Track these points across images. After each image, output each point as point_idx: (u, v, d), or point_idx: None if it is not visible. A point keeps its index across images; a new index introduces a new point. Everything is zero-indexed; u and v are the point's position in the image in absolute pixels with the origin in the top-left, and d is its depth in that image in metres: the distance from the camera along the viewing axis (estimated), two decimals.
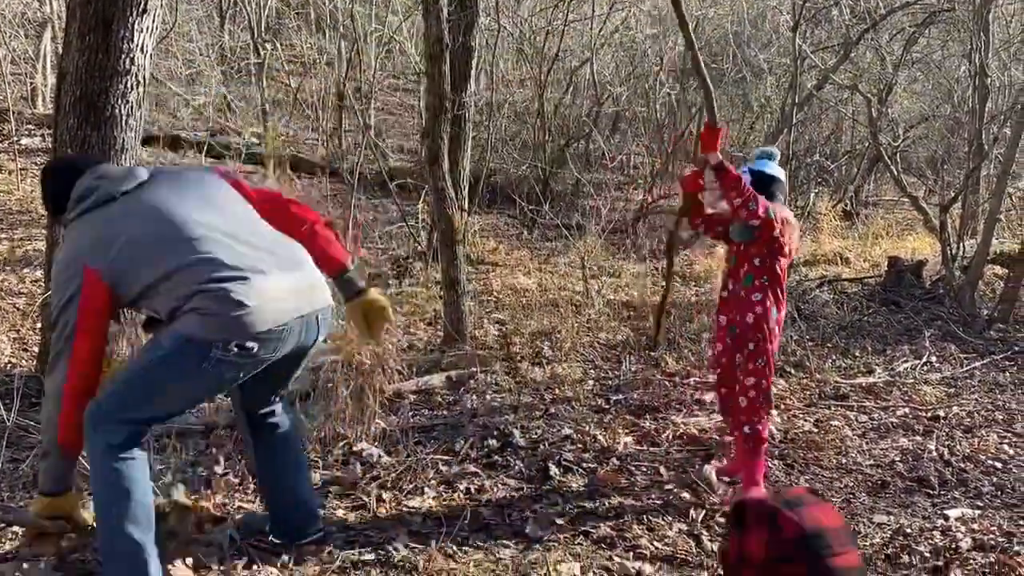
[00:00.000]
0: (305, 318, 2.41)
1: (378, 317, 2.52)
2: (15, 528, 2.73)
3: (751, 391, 3.33)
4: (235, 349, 2.26)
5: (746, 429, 3.32)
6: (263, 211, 2.49)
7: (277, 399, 2.71)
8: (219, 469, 3.26)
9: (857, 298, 6.50)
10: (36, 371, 4.01)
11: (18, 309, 5.29)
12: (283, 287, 2.34)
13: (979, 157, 7.37)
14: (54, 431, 2.34)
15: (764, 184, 3.33)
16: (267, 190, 2.66)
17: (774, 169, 3.44)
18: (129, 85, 3.71)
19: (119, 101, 3.71)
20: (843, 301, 6.39)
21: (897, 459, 3.82)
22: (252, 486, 3.15)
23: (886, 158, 7.98)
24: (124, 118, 3.75)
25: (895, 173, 7.94)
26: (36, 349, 4.26)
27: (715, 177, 3.27)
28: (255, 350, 2.30)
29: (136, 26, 3.60)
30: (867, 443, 4.01)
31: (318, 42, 11.35)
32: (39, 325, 4.09)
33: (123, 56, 3.61)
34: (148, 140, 8.48)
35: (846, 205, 9.97)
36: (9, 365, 4.40)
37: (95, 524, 2.38)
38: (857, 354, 5.37)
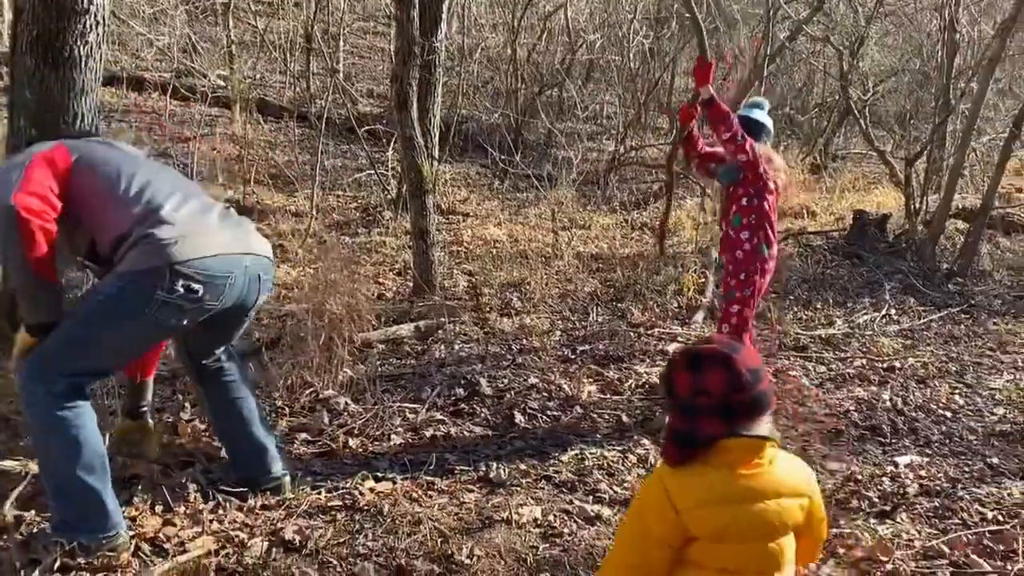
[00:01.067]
0: (248, 270, 2.44)
1: None
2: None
3: (734, 318, 3.56)
4: (180, 290, 2.27)
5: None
6: None
7: (222, 351, 2.73)
8: (184, 416, 3.28)
9: (821, 251, 6.60)
10: None
11: None
12: (218, 224, 2.44)
13: (945, 112, 7.45)
14: (25, 265, 2.24)
15: (751, 130, 3.53)
16: None
17: (761, 116, 3.67)
18: (88, 25, 3.60)
19: (78, 41, 3.60)
20: (807, 254, 6.48)
21: (852, 408, 3.94)
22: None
23: (855, 111, 8.04)
24: (83, 59, 3.65)
25: (864, 127, 8.01)
26: None
27: (705, 110, 3.42)
28: (200, 293, 2.31)
29: None
30: (824, 392, 4.12)
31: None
32: None
33: None
34: (111, 81, 8.27)
35: (815, 158, 10.03)
36: None
37: (43, 477, 2.39)
38: (819, 306, 5.48)
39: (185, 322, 2.38)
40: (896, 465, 3.39)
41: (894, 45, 10.81)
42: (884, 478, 3.26)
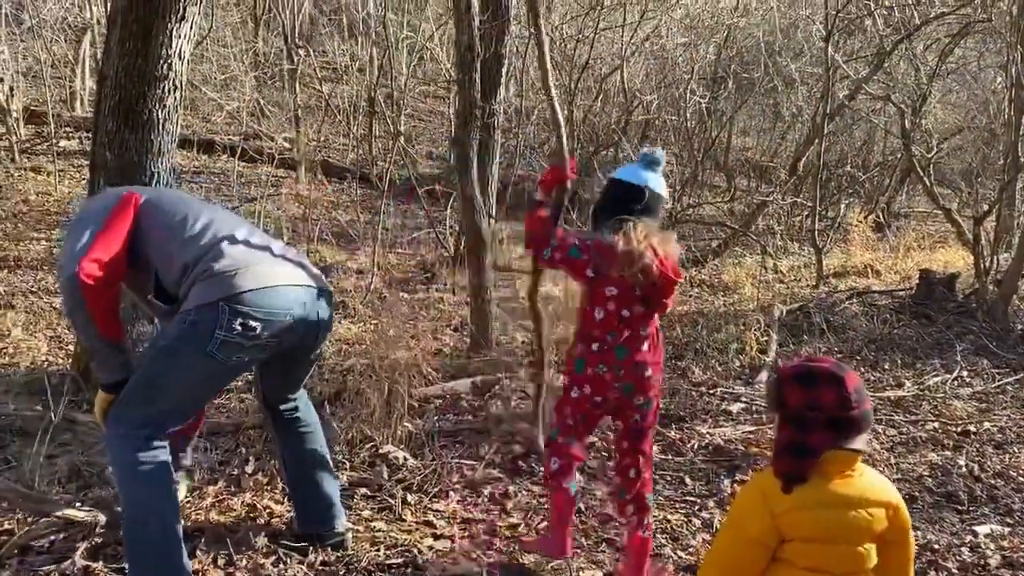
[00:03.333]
0: (307, 306, 2.47)
1: None
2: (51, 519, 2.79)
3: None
4: (238, 328, 2.31)
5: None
6: None
7: (296, 394, 2.78)
8: (248, 468, 3.31)
9: (887, 311, 6.43)
10: (72, 370, 4.10)
11: (55, 309, 5.41)
12: (277, 256, 2.53)
13: (1015, 170, 7.26)
14: (92, 328, 2.33)
15: (628, 198, 2.60)
16: None
17: (649, 179, 2.64)
18: (166, 90, 3.79)
19: (156, 105, 3.79)
20: (873, 314, 6.32)
21: (926, 474, 3.78)
22: (281, 485, 3.19)
23: (919, 169, 7.90)
24: (161, 122, 3.83)
25: (928, 184, 7.86)
26: (72, 348, 4.35)
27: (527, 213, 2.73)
28: (258, 330, 2.34)
29: (175, 32, 3.68)
30: (895, 457, 3.96)
31: (350, 48, 11.47)
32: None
33: (161, 62, 3.69)
34: (183, 143, 8.64)
35: (877, 217, 9.87)
36: (46, 363, 4.50)
37: (122, 521, 2.42)
38: (887, 367, 5.32)
39: (247, 359, 2.41)
40: (975, 535, 3.22)
41: (958, 103, 10.65)
42: (963, 548, 3.11)
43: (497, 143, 7.64)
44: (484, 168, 6.97)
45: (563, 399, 2.68)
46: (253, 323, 2.34)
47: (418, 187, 7.71)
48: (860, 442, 1.79)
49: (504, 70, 7.27)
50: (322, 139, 10.50)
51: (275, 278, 2.41)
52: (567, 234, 2.64)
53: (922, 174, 7.83)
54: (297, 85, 9.59)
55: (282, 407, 2.76)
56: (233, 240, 2.44)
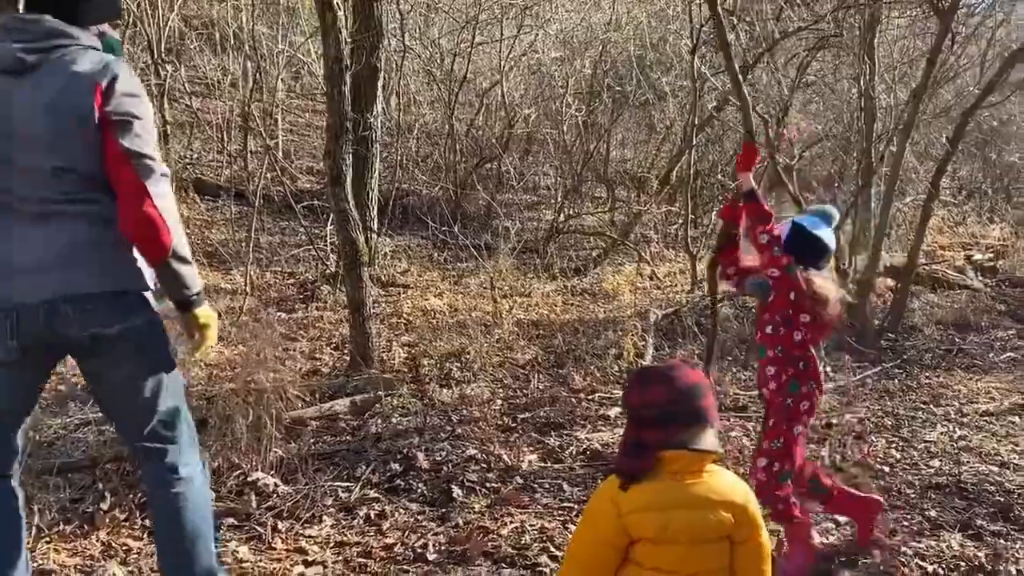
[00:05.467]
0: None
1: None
2: None
3: (761, 473, 2.89)
4: None
5: (779, 506, 2.90)
6: None
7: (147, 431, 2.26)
8: (104, 505, 3.12)
9: (756, 312, 6.68)
10: None
11: None
12: None
13: (868, 175, 7.73)
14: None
15: (803, 246, 2.86)
16: None
17: (824, 233, 2.90)
18: None
19: None
20: (744, 316, 6.57)
21: None
22: (141, 521, 3.02)
23: (783, 176, 8.28)
24: None
25: (792, 191, 8.24)
26: None
27: (744, 204, 2.94)
28: None
29: None
30: None
31: (222, 63, 11.11)
32: None
33: None
34: None
35: None
36: None
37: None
38: (755, 366, 5.52)
39: None
40: (837, 523, 3.37)
41: (817, 112, 11.26)
42: (826, 535, 3.24)
43: (376, 156, 7.56)
44: (361, 182, 6.88)
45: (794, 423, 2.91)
46: None
47: (295, 203, 7.52)
48: (705, 442, 1.80)
49: (379, 83, 7.22)
50: (194, 156, 10.12)
51: None
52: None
53: (787, 180, 8.22)
54: (165, 101, 9.20)
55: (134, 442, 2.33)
56: None
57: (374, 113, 7.53)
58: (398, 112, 10.16)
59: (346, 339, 5.39)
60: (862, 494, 3.20)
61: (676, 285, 7.86)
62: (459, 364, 5.27)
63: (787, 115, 9.10)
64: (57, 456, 3.57)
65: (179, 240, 2.15)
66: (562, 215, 9.19)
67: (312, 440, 3.95)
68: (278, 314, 6.10)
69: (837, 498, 3.11)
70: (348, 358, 5.14)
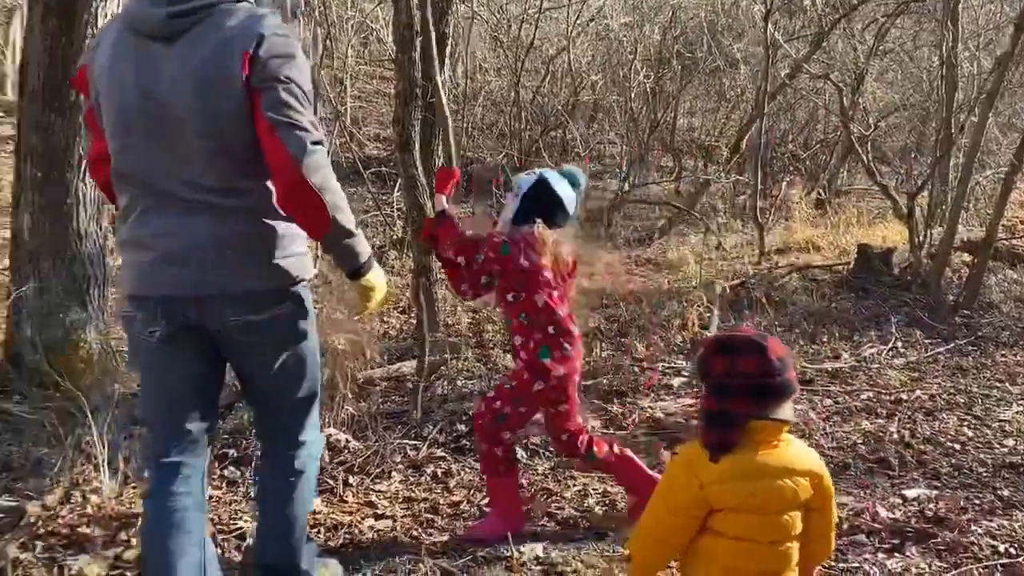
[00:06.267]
0: None
1: None
2: None
3: (496, 445, 2.82)
4: None
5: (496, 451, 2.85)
6: None
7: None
8: None
9: (826, 285, 6.58)
10: (3, 359, 3.99)
11: None
12: None
13: (946, 146, 7.47)
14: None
15: (541, 200, 2.78)
16: None
17: (564, 191, 2.81)
18: None
19: None
20: (812, 288, 6.46)
21: (859, 441, 3.89)
22: (219, 471, 3.16)
23: (858, 147, 8.06)
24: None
25: (866, 162, 8.03)
26: (2, 338, 4.23)
27: (436, 227, 2.83)
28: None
29: (100, 11, 3.59)
30: (831, 426, 4.07)
31: (292, 30, 11.25)
32: (5, 314, 4.06)
33: (86, 42, 3.59)
34: None
35: (818, 194, 10.06)
36: None
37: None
38: (824, 339, 5.45)
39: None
40: (905, 498, 3.33)
41: (894, 81, 10.89)
42: (894, 511, 3.21)
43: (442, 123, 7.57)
44: (428, 148, 6.93)
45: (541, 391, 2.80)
46: None
47: (364, 169, 7.63)
48: (786, 412, 1.80)
49: (447, 49, 7.22)
50: None
51: None
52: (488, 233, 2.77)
53: (861, 151, 8.00)
54: None
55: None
56: None
57: (441, 80, 7.54)
58: (464, 80, 10.18)
59: (412, 303, 5.48)
60: (648, 471, 2.99)
61: (743, 256, 7.76)
62: None
63: (863, 83, 8.84)
64: (138, 407, 3.74)
65: (342, 214, 1.97)
66: (627, 184, 9.13)
67: (380, 400, 4.05)
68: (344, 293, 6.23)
69: (616, 466, 2.95)
70: (415, 321, 5.23)
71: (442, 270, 3.08)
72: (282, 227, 2.01)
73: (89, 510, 2.78)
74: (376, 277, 2.16)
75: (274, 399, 2.16)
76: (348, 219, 2.00)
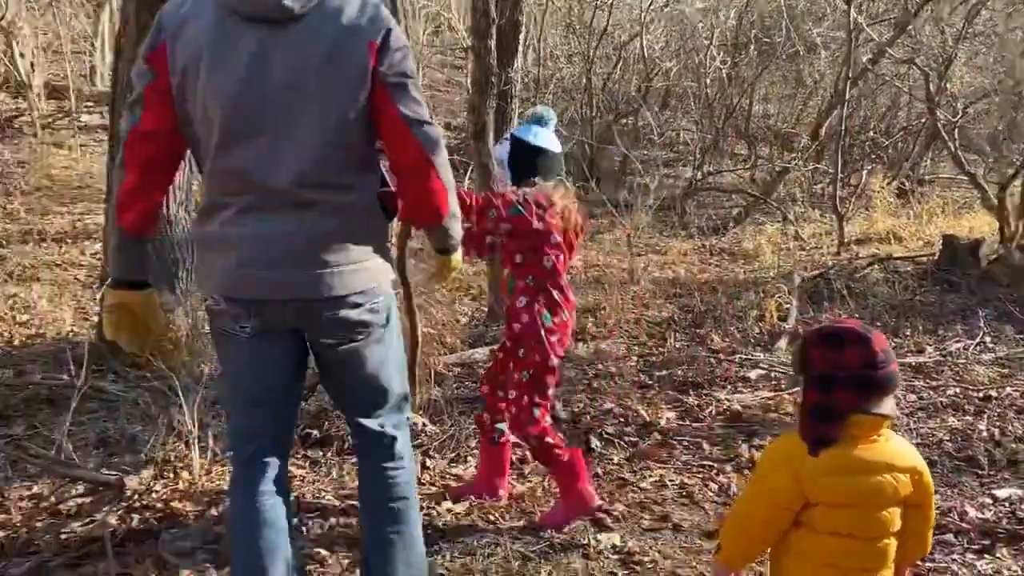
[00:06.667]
0: None
1: None
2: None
3: (512, 407, 2.77)
4: None
5: (533, 443, 2.79)
6: None
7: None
8: None
9: (909, 277, 6.37)
10: (97, 340, 4.17)
11: (79, 280, 5.49)
12: None
13: None
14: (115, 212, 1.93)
15: (524, 156, 2.74)
16: None
17: (543, 138, 2.76)
18: None
19: None
20: (894, 280, 6.26)
21: (946, 438, 3.76)
22: (303, 452, 3.25)
23: (944, 134, 7.78)
24: None
25: (953, 149, 7.74)
26: (96, 319, 4.42)
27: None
28: None
29: None
30: (915, 422, 3.95)
31: None
32: (99, 296, 4.24)
33: None
34: None
35: (901, 182, 9.74)
36: (71, 333, 4.58)
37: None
38: (908, 333, 5.28)
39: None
40: (995, 498, 3.22)
41: (984, 65, 10.44)
42: (983, 511, 3.10)
43: (514, 112, 7.59)
44: (500, 137, 6.92)
45: (548, 354, 2.75)
46: None
47: None
48: (887, 407, 1.76)
49: (521, 37, 7.21)
50: None
51: None
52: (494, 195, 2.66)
53: (947, 139, 7.71)
54: None
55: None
56: None
57: (515, 68, 7.55)
58: (536, 67, 10.16)
59: (484, 290, 5.53)
60: (585, 487, 2.86)
61: (822, 247, 7.58)
62: (594, 320, 5.31)
63: (950, 68, 8.51)
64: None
65: (454, 202, 2.00)
66: (701, 172, 9.00)
67: (455, 385, 4.10)
68: (419, 265, 6.30)
69: (565, 466, 2.81)
70: (486, 309, 5.28)
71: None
72: (377, 224, 1.99)
73: (181, 486, 2.89)
74: (459, 254, 2.24)
75: (364, 393, 2.10)
76: (456, 206, 2.04)
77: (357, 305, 1.93)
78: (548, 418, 2.81)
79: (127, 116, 1.86)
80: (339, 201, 1.87)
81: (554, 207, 2.66)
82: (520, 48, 7.40)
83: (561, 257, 2.72)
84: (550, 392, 2.79)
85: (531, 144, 2.73)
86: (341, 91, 1.80)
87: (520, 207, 2.61)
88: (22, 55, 8.63)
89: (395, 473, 2.11)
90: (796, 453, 1.75)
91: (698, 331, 5.18)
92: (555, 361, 2.74)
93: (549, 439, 2.76)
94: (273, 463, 2.05)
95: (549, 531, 2.78)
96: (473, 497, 2.98)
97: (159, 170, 1.91)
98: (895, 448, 1.80)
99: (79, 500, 2.82)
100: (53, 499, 2.81)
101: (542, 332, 2.69)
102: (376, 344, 2.02)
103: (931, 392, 4.34)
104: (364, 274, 1.93)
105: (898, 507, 1.78)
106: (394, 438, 2.12)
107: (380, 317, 2.00)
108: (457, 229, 2.12)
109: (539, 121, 2.79)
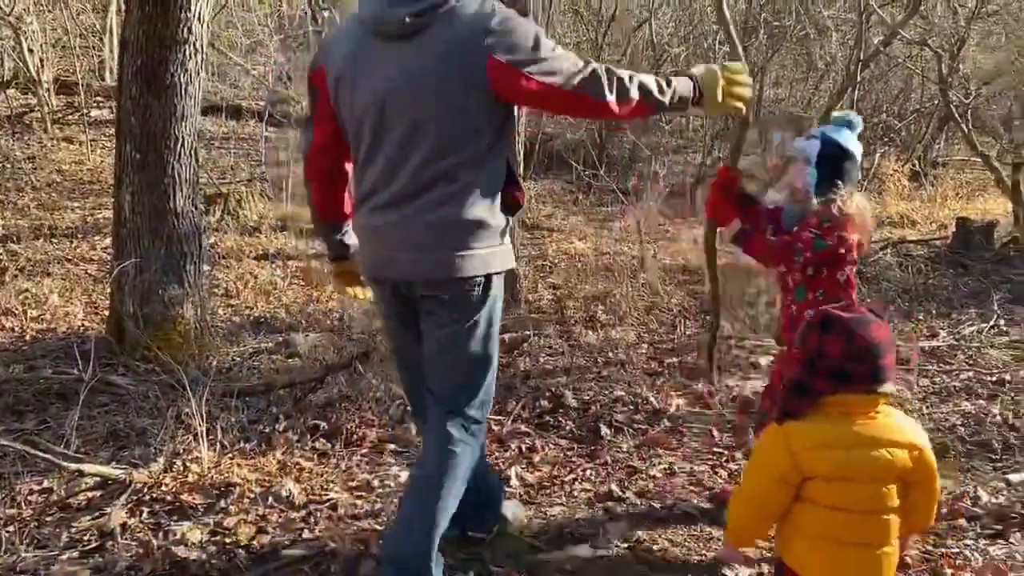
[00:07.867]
0: None
1: None
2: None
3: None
4: None
5: None
6: None
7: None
8: (279, 427, 3.37)
9: (922, 260, 6.31)
10: (107, 334, 4.19)
11: (90, 275, 5.52)
12: None
13: None
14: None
15: (834, 159, 2.61)
16: None
17: (850, 141, 2.66)
18: (187, 54, 3.81)
19: (178, 69, 3.81)
20: (907, 264, 6.20)
21: (959, 423, 3.73)
22: (311, 444, 3.25)
23: (957, 116, 7.69)
24: (184, 86, 3.86)
25: (966, 131, 7.65)
26: (107, 313, 4.44)
27: (738, 245, 2.69)
28: None
29: None
30: (928, 407, 3.92)
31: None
32: (109, 290, 4.26)
33: (181, 25, 3.71)
34: (211, 110, 8.67)
35: (914, 165, 9.64)
36: (82, 328, 4.61)
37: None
38: (921, 317, 5.24)
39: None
40: (1009, 483, 3.18)
41: (997, 46, 10.31)
42: (997, 496, 3.07)
43: None
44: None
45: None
46: None
47: None
48: (884, 385, 1.79)
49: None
50: None
51: None
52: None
53: (960, 120, 7.62)
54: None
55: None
56: None
57: None
58: None
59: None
60: None
61: None
62: (604, 307, 5.29)
63: (963, 48, 8.40)
64: (235, 380, 3.89)
65: (650, 96, 2.09)
66: (710, 158, 8.93)
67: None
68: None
69: None
70: None
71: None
72: (489, 215, 2.10)
73: (190, 479, 2.90)
74: (712, 77, 2.21)
75: (448, 372, 2.26)
76: (656, 94, 2.09)
77: (451, 289, 2.12)
78: None
79: (303, 134, 2.26)
80: (446, 195, 2.04)
81: (852, 220, 2.53)
82: None
83: (852, 270, 2.63)
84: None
85: (842, 146, 2.63)
86: (458, 100, 1.98)
87: (824, 241, 2.51)
88: (31, 51, 8.65)
89: (449, 463, 2.23)
90: (790, 428, 1.81)
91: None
92: None
93: None
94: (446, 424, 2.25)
95: (557, 519, 2.77)
96: None
97: (336, 175, 2.28)
98: (893, 424, 1.82)
99: (89, 494, 2.83)
100: (63, 493, 2.82)
101: None
102: (459, 324, 2.17)
103: (944, 376, 4.30)
104: (461, 259, 2.08)
105: (895, 483, 1.80)
106: (456, 424, 2.26)
107: (469, 301, 2.14)
108: (683, 92, 2.15)
109: (848, 124, 2.70)
